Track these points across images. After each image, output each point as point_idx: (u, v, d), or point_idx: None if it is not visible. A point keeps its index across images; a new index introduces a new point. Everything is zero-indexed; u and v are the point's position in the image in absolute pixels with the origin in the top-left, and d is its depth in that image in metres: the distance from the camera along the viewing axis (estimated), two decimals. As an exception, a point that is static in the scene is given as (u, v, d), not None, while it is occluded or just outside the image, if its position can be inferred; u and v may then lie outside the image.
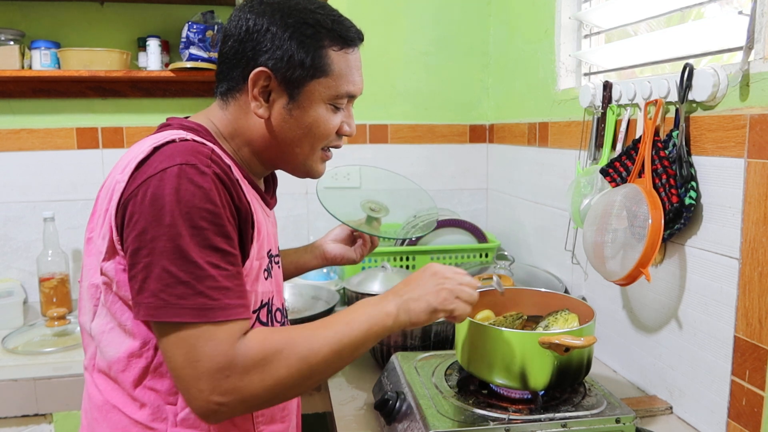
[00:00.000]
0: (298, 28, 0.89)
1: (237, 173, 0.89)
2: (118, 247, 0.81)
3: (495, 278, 1.10)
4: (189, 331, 0.75)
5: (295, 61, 0.89)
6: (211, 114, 0.97)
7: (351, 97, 0.96)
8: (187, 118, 0.97)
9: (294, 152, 0.96)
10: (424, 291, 0.91)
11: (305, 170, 1.00)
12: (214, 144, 0.89)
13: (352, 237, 1.31)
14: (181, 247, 0.75)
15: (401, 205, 1.48)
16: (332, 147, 1.00)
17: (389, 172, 1.49)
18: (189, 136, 0.85)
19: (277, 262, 1.02)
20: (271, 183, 1.09)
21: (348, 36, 0.93)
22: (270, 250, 0.97)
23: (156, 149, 0.81)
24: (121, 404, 0.88)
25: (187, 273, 0.75)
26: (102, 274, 0.84)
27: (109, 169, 2.05)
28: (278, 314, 1.01)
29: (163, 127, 0.92)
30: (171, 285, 0.75)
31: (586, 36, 1.63)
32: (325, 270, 1.97)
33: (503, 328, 1.02)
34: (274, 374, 0.78)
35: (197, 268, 0.76)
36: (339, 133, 0.98)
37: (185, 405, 0.88)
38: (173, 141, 0.82)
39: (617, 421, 0.98)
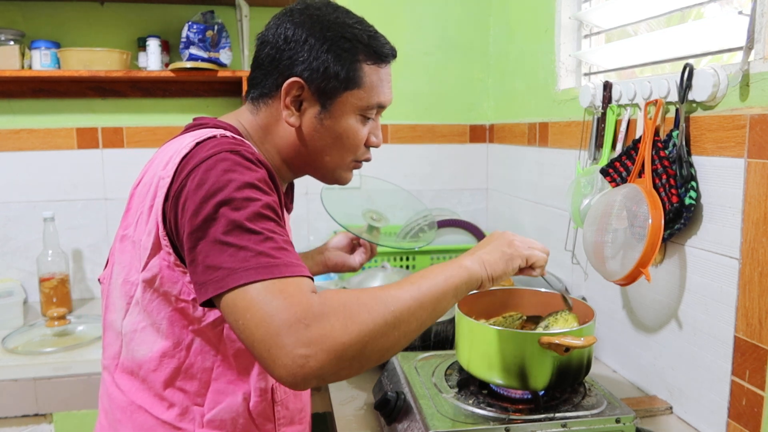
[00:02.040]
0: (336, 42, 0.91)
1: (274, 176, 0.90)
2: (164, 242, 0.82)
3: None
4: (257, 290, 0.70)
5: (330, 72, 0.91)
6: (241, 117, 0.98)
7: (380, 108, 0.98)
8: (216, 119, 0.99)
9: (323, 160, 0.98)
10: (496, 245, 0.91)
11: (334, 178, 1.02)
12: None
13: (352, 245, 1.33)
14: (236, 221, 0.74)
15: (399, 208, 1.51)
16: (363, 160, 1.02)
17: (384, 181, 1.52)
18: (228, 133, 0.87)
19: None
20: (290, 190, 1.11)
21: (383, 52, 0.95)
22: None
23: (198, 144, 0.82)
24: (147, 405, 0.88)
25: (246, 240, 0.73)
26: (146, 270, 0.84)
27: (110, 169, 2.07)
28: None
29: (196, 126, 0.93)
30: (232, 254, 0.72)
31: (586, 36, 1.63)
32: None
33: (503, 328, 1.03)
34: (357, 319, 0.70)
35: (255, 234, 0.73)
36: (367, 145, 1.00)
37: (212, 406, 0.89)
38: (214, 137, 0.84)
39: (617, 421, 0.98)
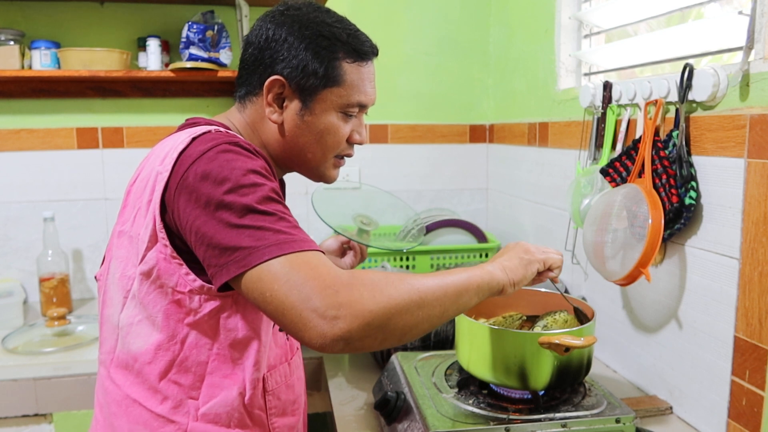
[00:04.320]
0: (314, 40, 0.93)
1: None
2: (161, 235, 0.84)
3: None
4: (282, 263, 0.74)
5: (308, 70, 0.93)
6: (231, 116, 1.01)
7: (362, 107, 1.00)
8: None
9: (306, 157, 1.00)
10: (513, 252, 0.95)
11: (318, 175, 1.04)
12: None
13: (342, 249, 1.33)
14: (248, 205, 0.77)
15: (390, 214, 1.53)
16: (344, 155, 1.03)
17: (374, 187, 1.54)
18: (222, 129, 0.91)
19: None
20: (282, 187, 1.12)
21: (362, 50, 0.97)
22: None
23: (194, 139, 0.85)
24: (142, 398, 0.90)
25: (261, 221, 0.76)
26: (143, 263, 0.86)
27: (110, 169, 2.07)
28: None
29: (188, 125, 0.95)
30: (250, 235, 0.76)
31: (586, 36, 1.63)
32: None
33: (503, 328, 1.03)
34: (384, 292, 0.74)
35: (269, 215, 0.77)
36: (350, 141, 1.02)
37: (207, 400, 0.90)
38: (209, 131, 0.87)
39: (617, 421, 0.98)
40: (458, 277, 0.83)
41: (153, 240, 0.85)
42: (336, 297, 0.72)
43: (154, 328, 0.88)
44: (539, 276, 0.98)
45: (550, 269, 0.98)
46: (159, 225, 0.83)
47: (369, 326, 0.73)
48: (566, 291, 1.57)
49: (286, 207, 0.82)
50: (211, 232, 0.77)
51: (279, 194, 0.82)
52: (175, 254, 0.84)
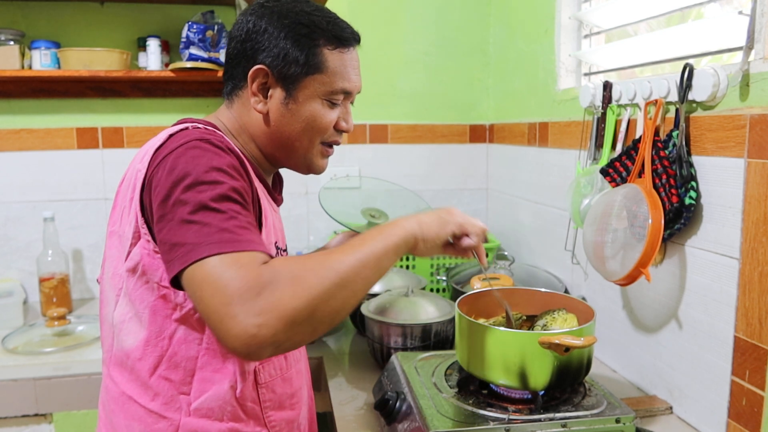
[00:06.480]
0: (293, 28, 0.94)
1: (246, 164, 0.92)
2: (143, 230, 0.85)
3: (496, 294, 1.10)
4: (214, 262, 0.72)
5: (290, 58, 0.94)
6: (220, 114, 1.02)
7: (347, 94, 1.00)
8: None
9: (293, 146, 1.00)
10: (437, 212, 0.95)
11: (306, 165, 1.03)
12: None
13: None
14: (202, 201, 0.76)
15: (399, 206, 1.52)
16: (331, 142, 1.03)
17: (384, 181, 1.53)
18: (200, 126, 0.91)
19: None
20: (278, 182, 1.13)
21: (343, 36, 0.97)
22: (276, 242, 1.00)
23: (171, 136, 0.86)
24: (136, 395, 0.91)
25: (210, 218, 0.75)
26: (128, 259, 0.87)
27: (110, 169, 2.07)
28: None
29: (175, 125, 0.96)
30: (196, 231, 0.75)
31: (586, 36, 1.63)
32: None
33: (503, 328, 1.03)
34: (305, 284, 0.72)
35: (219, 213, 0.76)
36: (337, 129, 1.01)
37: (198, 395, 0.90)
38: (186, 128, 0.88)
39: (617, 421, 0.98)
40: (375, 245, 0.82)
41: (136, 236, 0.86)
42: (257, 300, 0.70)
43: (141, 325, 0.89)
44: (458, 242, 0.96)
45: (467, 235, 0.96)
46: (141, 221, 0.85)
47: (294, 323, 0.71)
48: (566, 291, 1.57)
49: (244, 208, 0.80)
50: (167, 227, 0.77)
51: (241, 193, 0.81)
52: (157, 249, 0.85)
